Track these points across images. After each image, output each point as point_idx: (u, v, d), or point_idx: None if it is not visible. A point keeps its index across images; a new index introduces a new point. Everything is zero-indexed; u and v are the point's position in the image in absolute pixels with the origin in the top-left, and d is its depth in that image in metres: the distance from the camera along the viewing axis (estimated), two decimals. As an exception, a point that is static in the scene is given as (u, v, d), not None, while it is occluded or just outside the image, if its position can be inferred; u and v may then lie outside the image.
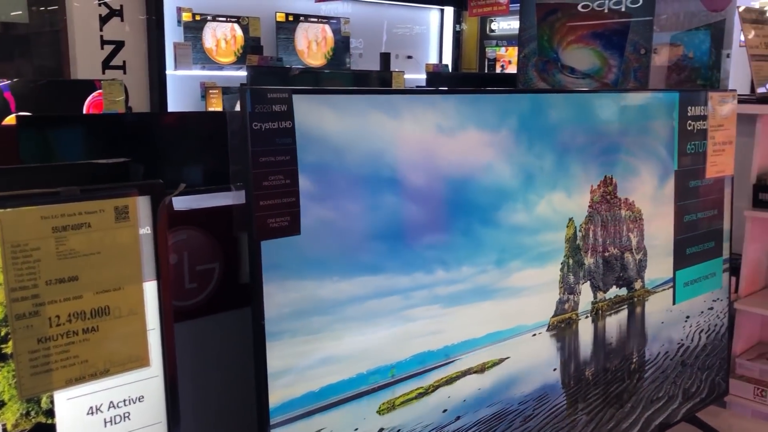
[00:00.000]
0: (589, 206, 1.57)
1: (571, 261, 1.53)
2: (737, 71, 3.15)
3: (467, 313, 1.32)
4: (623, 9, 2.75)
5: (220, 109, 5.95)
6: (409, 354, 1.24)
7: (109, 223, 0.90)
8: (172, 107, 5.95)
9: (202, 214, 1.19)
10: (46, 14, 6.12)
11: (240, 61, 6.27)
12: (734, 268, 2.19)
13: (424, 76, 6.07)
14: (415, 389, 1.25)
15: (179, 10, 6.02)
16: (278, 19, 6.57)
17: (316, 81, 4.75)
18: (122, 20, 5.86)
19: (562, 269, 1.52)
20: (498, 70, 8.10)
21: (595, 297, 1.61)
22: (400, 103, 1.22)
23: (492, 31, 8.27)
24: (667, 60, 2.77)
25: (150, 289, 0.95)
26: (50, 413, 0.88)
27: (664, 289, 1.80)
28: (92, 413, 0.91)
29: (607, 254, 1.63)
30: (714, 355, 1.98)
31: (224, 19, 6.22)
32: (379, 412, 1.20)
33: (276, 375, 1.07)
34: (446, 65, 7.61)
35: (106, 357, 0.91)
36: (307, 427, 1.11)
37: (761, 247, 2.64)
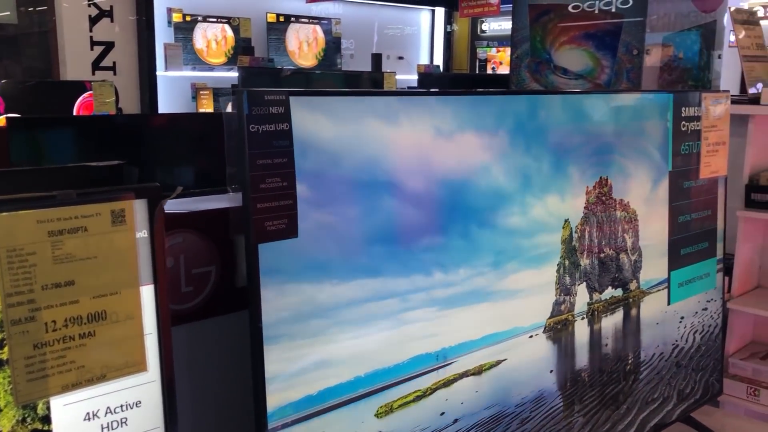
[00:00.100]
0: (584, 207, 1.57)
1: (567, 262, 1.53)
2: (727, 71, 3.16)
3: (464, 315, 1.32)
4: (614, 10, 2.75)
5: (211, 110, 5.93)
6: (406, 357, 1.24)
7: (106, 226, 0.89)
8: (162, 108, 5.92)
9: (198, 217, 1.18)
10: (34, 15, 6.08)
11: (231, 62, 6.25)
12: (727, 268, 2.19)
13: (415, 77, 6.06)
14: (413, 392, 1.25)
15: (169, 10, 5.99)
16: (269, 20, 6.55)
17: (307, 82, 4.74)
18: (112, 21, 5.83)
19: (558, 270, 1.51)
20: (489, 71, 8.11)
21: (591, 298, 1.61)
22: (398, 105, 1.21)
23: (483, 31, 8.28)
24: (658, 61, 2.78)
25: (147, 293, 0.94)
26: (47, 419, 0.87)
27: (659, 290, 1.80)
28: (89, 419, 0.90)
29: (602, 255, 1.63)
30: (708, 355, 1.99)
31: (215, 19, 6.20)
32: (377, 415, 1.19)
33: (274, 379, 1.06)
34: (437, 66, 7.61)
35: (102, 362, 0.90)
36: (305, 431, 1.10)
37: (753, 247, 2.65)
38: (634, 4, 2.69)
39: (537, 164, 1.45)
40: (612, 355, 1.67)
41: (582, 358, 1.59)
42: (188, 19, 6.06)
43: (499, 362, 1.39)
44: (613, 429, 1.67)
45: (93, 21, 5.78)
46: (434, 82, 5.46)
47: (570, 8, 2.82)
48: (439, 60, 8.05)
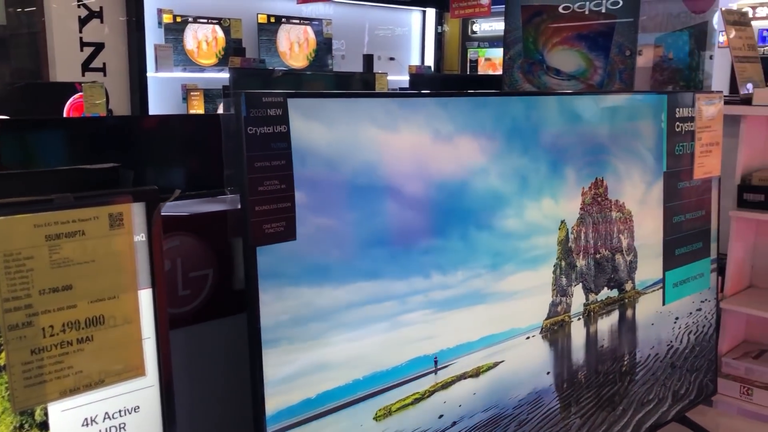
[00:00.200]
0: (580, 208, 1.57)
1: (563, 263, 1.53)
2: (716, 72, 3.18)
3: (462, 317, 1.32)
4: (604, 10, 2.76)
5: (201, 111, 5.90)
6: (404, 359, 1.23)
7: (104, 230, 0.88)
8: (153, 110, 5.89)
9: (195, 220, 1.17)
10: (23, 16, 6.03)
11: (222, 62, 6.22)
12: (720, 268, 2.20)
13: (407, 78, 6.06)
14: (411, 395, 1.24)
15: (160, 11, 5.96)
16: (260, 21, 6.52)
17: (299, 83, 4.72)
18: (102, 22, 5.79)
19: (554, 272, 1.51)
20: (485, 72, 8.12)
21: (587, 299, 1.61)
22: (396, 106, 1.21)
23: (474, 32, 8.29)
24: (650, 61, 2.79)
25: (145, 297, 0.93)
26: (44, 425, 0.86)
27: (654, 290, 1.81)
28: (87, 425, 0.90)
29: (598, 256, 1.63)
30: (702, 356, 1.99)
31: (205, 20, 6.17)
32: (376, 418, 1.19)
33: (272, 382, 1.06)
34: (429, 67, 7.60)
35: (100, 367, 0.90)
36: (304, 434, 1.10)
37: (746, 247, 2.67)
38: (624, 5, 2.70)
39: (533, 166, 1.45)
40: (608, 356, 1.67)
41: (578, 359, 1.59)
42: (179, 20, 6.03)
43: (496, 364, 1.39)
44: (610, 430, 1.67)
45: (83, 22, 5.75)
46: (426, 83, 5.46)
47: (561, 9, 2.82)
48: (430, 61, 8.05)
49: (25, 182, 1.16)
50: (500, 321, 1.40)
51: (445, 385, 1.30)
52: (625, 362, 1.72)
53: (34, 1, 5.72)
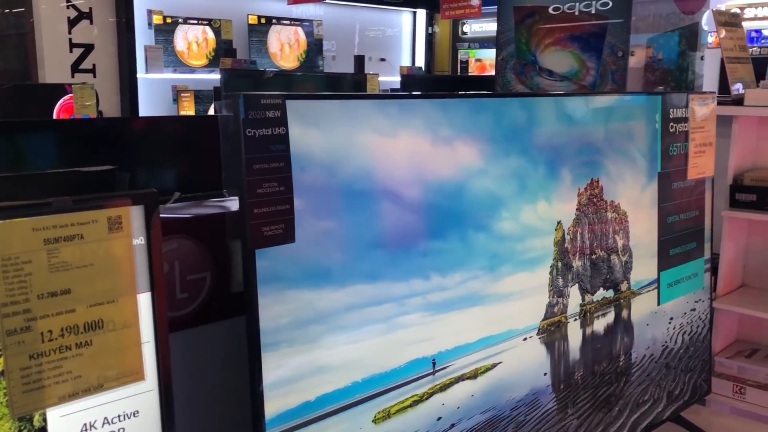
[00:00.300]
0: (576, 209, 1.57)
1: (559, 264, 1.53)
2: (705, 72, 3.19)
3: (460, 318, 1.31)
4: (593, 11, 2.77)
5: (192, 112, 5.88)
6: (403, 361, 1.23)
7: (102, 233, 0.88)
8: (143, 111, 5.86)
9: (193, 223, 1.17)
10: (11, 16, 5.99)
11: (212, 64, 6.20)
12: (713, 268, 2.21)
13: (398, 79, 6.06)
14: (410, 397, 1.24)
15: (150, 12, 5.93)
16: (250, 22, 6.51)
17: (290, 84, 4.71)
18: (91, 23, 5.76)
19: (551, 272, 1.52)
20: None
21: (583, 299, 1.61)
22: (394, 108, 1.21)
23: (464, 33, 8.30)
24: (642, 62, 2.80)
25: (144, 301, 0.92)
26: (43, 431, 0.85)
27: (649, 290, 1.81)
28: (86, 430, 0.89)
29: (594, 257, 1.63)
30: (696, 356, 2.00)
31: (195, 21, 6.15)
32: (375, 421, 1.18)
33: (271, 385, 1.05)
34: (420, 68, 7.61)
35: (99, 372, 0.89)
36: (304, 438, 1.09)
37: (738, 247, 2.68)
38: (615, 6, 2.71)
39: (530, 167, 1.45)
40: (604, 357, 1.67)
41: (575, 360, 1.59)
42: (169, 21, 6.01)
43: (494, 365, 1.39)
44: (606, 431, 1.67)
45: (72, 23, 5.71)
46: (417, 84, 5.46)
47: (551, 10, 2.83)
48: (420, 62, 8.05)
49: (20, 185, 1.15)
50: (498, 322, 1.40)
51: (444, 387, 1.29)
52: (621, 363, 1.73)
53: (23, 1, 5.67)
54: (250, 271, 1.02)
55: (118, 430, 0.91)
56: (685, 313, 1.95)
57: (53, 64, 5.63)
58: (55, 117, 4.21)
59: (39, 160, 2.16)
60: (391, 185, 1.19)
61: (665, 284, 1.86)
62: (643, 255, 1.78)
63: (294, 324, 1.07)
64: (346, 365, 1.15)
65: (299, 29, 6.86)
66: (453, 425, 1.31)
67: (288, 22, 6.78)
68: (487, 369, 1.38)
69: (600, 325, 1.66)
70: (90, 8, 5.74)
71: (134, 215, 0.90)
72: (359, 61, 5.64)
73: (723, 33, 2.61)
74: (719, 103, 2.28)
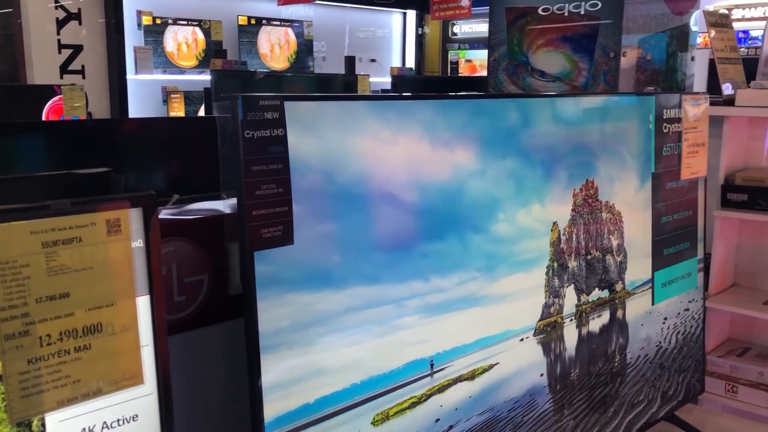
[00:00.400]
0: (572, 210, 1.58)
1: (555, 265, 1.54)
2: (694, 72, 3.21)
3: (457, 319, 1.31)
4: (582, 12, 2.78)
5: (182, 114, 5.86)
6: (401, 362, 1.23)
7: (101, 236, 0.87)
8: (133, 112, 5.84)
9: (190, 225, 1.16)
10: (-1, 17, 5.95)
11: (202, 64, 6.18)
12: (705, 267, 2.22)
13: (388, 80, 6.06)
14: (408, 398, 1.24)
15: (139, 13, 5.91)
16: (240, 23, 6.50)
17: (281, 85, 4.70)
18: (80, 24, 5.73)
19: (547, 273, 1.52)
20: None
21: (578, 300, 1.61)
22: (392, 108, 1.21)
23: (454, 34, 8.31)
24: (634, 63, 2.81)
25: (143, 304, 0.91)
26: (42, 436, 0.84)
27: (643, 290, 1.82)
28: (85, 435, 0.88)
29: (589, 257, 1.64)
30: (690, 356, 2.01)
31: (185, 22, 6.13)
32: (374, 423, 1.18)
33: (270, 388, 1.05)
34: (411, 68, 7.62)
35: (98, 376, 0.88)
36: (303, 441, 1.09)
37: (729, 246, 2.70)
38: (605, 7, 2.72)
39: (526, 168, 1.45)
40: (600, 357, 1.68)
41: (571, 361, 1.59)
42: (158, 21, 5.99)
43: (491, 366, 1.39)
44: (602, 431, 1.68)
45: (60, 24, 5.68)
46: (408, 85, 5.46)
47: (540, 11, 2.84)
48: (410, 62, 8.06)
49: (14, 188, 1.14)
50: (495, 323, 1.40)
51: (442, 389, 1.29)
52: (617, 363, 1.73)
53: (10, 2, 5.64)
54: (249, 274, 1.01)
55: (117, 434, 0.90)
56: (679, 313, 1.96)
57: (42, 65, 5.59)
58: (44, 118, 4.19)
59: (28, 162, 2.15)
60: (389, 187, 1.19)
61: (659, 284, 1.87)
62: (637, 255, 1.79)
63: (293, 326, 1.06)
64: (344, 367, 1.14)
65: (289, 30, 6.86)
66: (451, 427, 1.31)
67: (278, 22, 6.77)
68: (485, 370, 1.38)
69: (595, 325, 1.66)
70: (78, 9, 5.71)
71: (133, 218, 0.90)
72: (350, 61, 5.64)
73: (713, 33, 2.63)
74: (710, 104, 2.29)
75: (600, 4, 2.72)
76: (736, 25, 6.61)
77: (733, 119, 2.52)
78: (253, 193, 1.01)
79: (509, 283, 1.42)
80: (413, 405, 1.24)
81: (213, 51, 6.18)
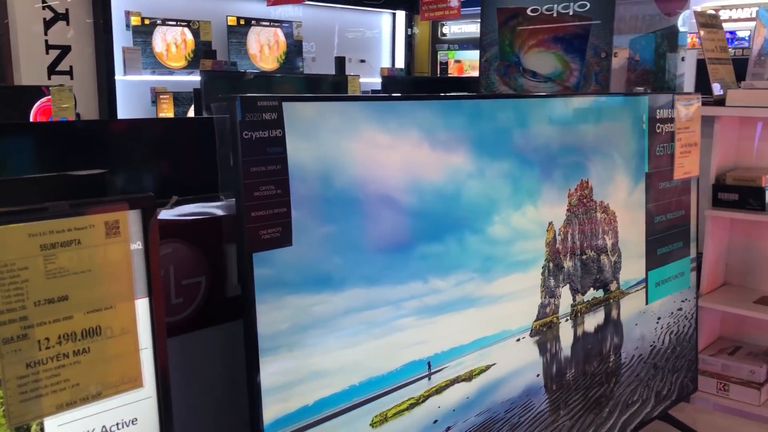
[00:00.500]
0: (567, 210, 1.58)
1: (551, 265, 1.54)
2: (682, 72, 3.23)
3: (454, 320, 1.31)
4: (571, 13, 2.79)
5: (171, 115, 5.83)
6: (399, 364, 1.22)
7: (100, 239, 0.86)
8: (121, 113, 5.81)
9: (187, 226, 1.15)
10: (-15, 18, 5.90)
11: (191, 65, 6.16)
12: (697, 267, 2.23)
13: (378, 80, 6.06)
14: (407, 400, 1.23)
15: (128, 13, 5.88)
16: (229, 23, 6.48)
17: (271, 85, 4.69)
18: (68, 24, 5.70)
19: (543, 273, 1.52)
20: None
21: (574, 299, 1.61)
22: (390, 109, 1.20)
23: (443, 35, 8.32)
24: (625, 63, 2.82)
25: (142, 307, 0.91)
26: (41, 441, 0.83)
27: (637, 290, 1.82)
28: (84, 439, 0.87)
29: (584, 257, 1.64)
30: (683, 356, 2.02)
31: (174, 23, 6.10)
32: (372, 424, 1.18)
33: (269, 390, 1.04)
34: (401, 69, 7.62)
35: (98, 379, 0.87)
36: (303, 443, 1.08)
37: (720, 245, 2.71)
38: (592, 7, 2.73)
39: (522, 169, 1.45)
40: (595, 357, 1.68)
41: (567, 361, 1.60)
42: (147, 22, 5.96)
43: (488, 367, 1.39)
44: None
45: (48, 24, 5.64)
46: (398, 86, 5.46)
47: (529, 11, 2.85)
48: (400, 63, 8.07)
49: (8, 189, 1.12)
50: (491, 323, 1.40)
51: (439, 390, 1.29)
52: (611, 363, 1.74)
53: (-3, 3, 5.59)
54: (248, 275, 1.01)
55: (117, 438, 0.90)
56: (672, 313, 1.97)
57: (29, 66, 5.55)
58: (32, 120, 4.16)
59: (16, 163, 2.13)
60: (387, 188, 1.19)
61: (653, 283, 1.87)
62: (631, 255, 1.79)
63: (292, 328, 1.06)
64: (343, 368, 1.14)
65: (279, 30, 6.84)
66: (449, 428, 1.31)
67: (267, 23, 6.76)
68: (482, 371, 1.38)
69: (590, 325, 1.67)
70: (66, 9, 5.68)
71: (132, 220, 0.89)
72: (340, 62, 5.64)
73: (704, 34, 2.65)
74: (701, 104, 2.31)
75: (589, 5, 2.73)
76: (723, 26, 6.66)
77: (723, 119, 2.53)
78: (251, 194, 1.01)
79: (506, 284, 1.42)
80: (411, 406, 1.24)
81: (202, 51, 6.16)
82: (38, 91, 4.26)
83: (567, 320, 1.59)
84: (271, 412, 1.04)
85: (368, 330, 1.17)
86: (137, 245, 0.90)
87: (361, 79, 4.96)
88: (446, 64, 8.14)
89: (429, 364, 1.28)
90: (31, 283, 0.81)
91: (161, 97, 5.78)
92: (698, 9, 3.23)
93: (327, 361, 1.11)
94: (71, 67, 5.66)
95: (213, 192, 1.26)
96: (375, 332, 1.18)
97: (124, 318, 0.89)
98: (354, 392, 1.15)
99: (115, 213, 0.87)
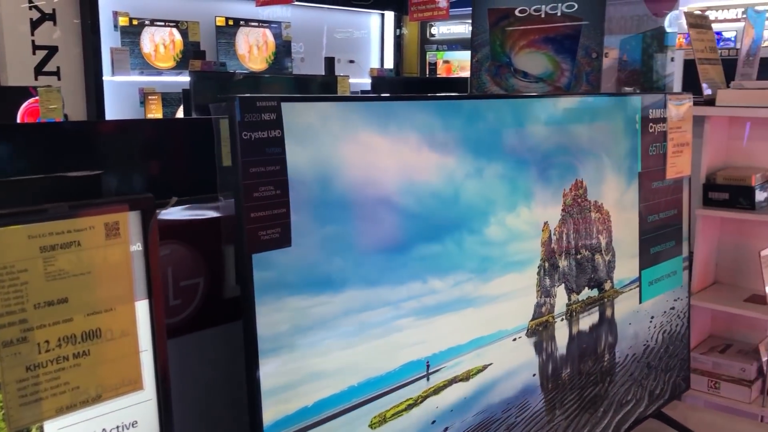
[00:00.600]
0: (562, 210, 1.58)
1: (546, 264, 1.54)
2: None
3: (452, 320, 1.31)
4: (559, 14, 2.80)
5: (160, 115, 5.79)
6: (398, 364, 1.22)
7: (99, 240, 0.85)
8: (110, 114, 5.76)
9: (185, 228, 1.14)
10: (-30, 18, 5.85)
11: (180, 66, 6.13)
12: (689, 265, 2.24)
13: (367, 81, 6.06)
14: (405, 400, 1.23)
15: (115, 14, 5.84)
16: (218, 24, 6.45)
17: (260, 86, 4.66)
18: (55, 24, 5.64)
19: (539, 273, 1.52)
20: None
21: (569, 299, 1.62)
22: (387, 110, 1.20)
23: (432, 35, 8.33)
24: (615, 64, 2.84)
25: (141, 309, 0.90)
26: (41, 445, 0.83)
27: (631, 289, 1.83)
28: (84, 442, 0.86)
29: (579, 256, 1.64)
30: (676, 355, 2.03)
31: (163, 23, 6.07)
32: (371, 425, 1.18)
33: (269, 392, 1.04)
34: (390, 69, 7.61)
35: (97, 382, 0.86)
36: (302, 444, 1.08)
37: (710, 244, 2.73)
38: (580, 8, 2.74)
39: (517, 169, 1.45)
40: (589, 356, 1.69)
41: (562, 360, 1.60)
42: (135, 23, 5.92)
43: (485, 366, 1.39)
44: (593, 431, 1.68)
45: (34, 24, 5.59)
46: (388, 86, 5.46)
47: (517, 12, 2.85)
48: (389, 63, 8.06)
49: (1, 192, 1.11)
50: (488, 323, 1.40)
51: (437, 390, 1.29)
52: (606, 362, 1.74)
53: (-17, 3, 5.54)
54: (247, 276, 1.00)
55: (117, 441, 0.89)
56: (665, 312, 1.98)
57: (16, 67, 5.50)
58: (19, 121, 4.12)
59: (4, 165, 2.10)
60: (387, 190, 1.18)
61: (646, 282, 1.88)
62: (625, 254, 1.80)
63: (291, 329, 1.06)
64: (342, 369, 1.13)
65: (267, 31, 6.82)
66: (446, 429, 1.31)
67: (256, 23, 6.73)
68: (479, 371, 1.38)
69: (585, 324, 1.67)
70: (53, 9, 5.63)
71: (131, 221, 0.88)
72: (329, 62, 5.63)
73: (693, 34, 2.66)
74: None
75: (577, 6, 2.74)
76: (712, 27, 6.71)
77: (713, 119, 2.55)
78: (251, 195, 1.00)
79: (502, 284, 1.42)
80: (410, 407, 1.24)
81: (191, 52, 6.13)
82: (25, 92, 4.22)
83: (562, 319, 1.60)
84: (270, 413, 1.04)
85: (367, 331, 1.17)
86: (137, 247, 0.89)
87: (351, 80, 4.95)
88: (435, 64, 8.14)
89: (428, 364, 1.28)
90: (31, 285, 0.80)
91: (150, 97, 5.74)
92: (686, 9, 3.25)
93: (326, 362, 1.11)
94: (58, 67, 5.61)
95: (203, 193, 1.25)
96: (374, 333, 1.18)
97: (124, 320, 0.88)
98: (353, 393, 1.15)
99: (115, 214, 0.86)
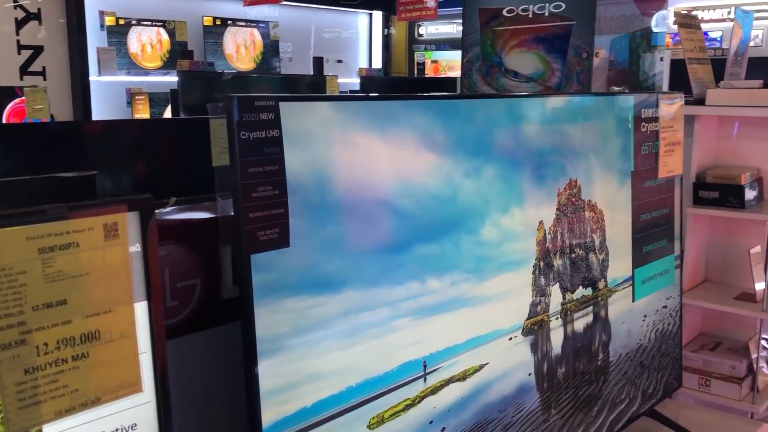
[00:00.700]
0: (556, 209, 1.59)
1: (541, 263, 1.54)
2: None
3: (449, 320, 1.31)
4: (546, 14, 2.81)
5: (147, 116, 5.76)
6: (395, 364, 1.22)
7: (98, 241, 0.84)
8: (96, 114, 5.73)
9: (183, 228, 1.14)
10: (-46, 17, 5.79)
11: (167, 66, 6.10)
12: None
13: (356, 80, 6.05)
14: (402, 401, 1.23)
15: (102, 13, 5.80)
16: (205, 23, 6.42)
17: (248, 86, 4.65)
18: (40, 24, 5.60)
19: (534, 272, 1.52)
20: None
21: (563, 298, 1.62)
22: (385, 109, 1.20)
23: (420, 35, 8.34)
24: (606, 63, 2.85)
25: (140, 310, 0.89)
26: (40, 449, 0.81)
27: (624, 287, 1.84)
28: (83, 446, 0.85)
29: (573, 255, 1.65)
30: (668, 354, 2.04)
31: (149, 23, 6.04)
32: (370, 426, 1.17)
33: (268, 393, 1.03)
34: (379, 69, 7.61)
35: (97, 384, 0.85)
36: (301, 446, 1.07)
37: (701, 243, 2.75)
38: (568, 8, 2.75)
39: (512, 168, 1.45)
40: (584, 355, 1.69)
41: (557, 359, 1.60)
42: (122, 22, 5.88)
43: (482, 366, 1.39)
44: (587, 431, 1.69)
45: (19, 24, 5.55)
46: (377, 86, 5.46)
47: (505, 12, 2.86)
48: (377, 63, 8.06)
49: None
50: (484, 323, 1.40)
51: (434, 390, 1.29)
52: (600, 361, 1.75)
53: (-33, 2, 5.49)
54: (246, 277, 1.00)
55: (116, 444, 0.88)
56: (657, 311, 1.98)
57: (0, 67, 5.45)
58: (4, 121, 4.09)
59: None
60: (384, 190, 1.18)
61: (639, 281, 1.89)
62: (618, 253, 1.81)
63: (290, 330, 1.05)
64: (341, 370, 1.13)
65: (255, 31, 6.80)
66: (444, 429, 1.31)
67: (244, 23, 6.71)
68: (476, 370, 1.38)
69: (580, 323, 1.68)
70: (38, 9, 5.58)
71: (130, 222, 0.87)
72: (318, 62, 5.62)
73: (683, 34, 2.68)
74: (682, 103, 2.33)
75: (564, 5, 2.75)
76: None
77: (703, 118, 2.57)
78: (249, 195, 0.99)
79: (498, 283, 1.42)
80: (407, 407, 1.23)
81: (178, 52, 6.10)
82: (11, 92, 4.19)
83: (557, 318, 1.60)
84: (270, 414, 1.03)
85: (365, 331, 1.16)
86: (136, 248, 0.88)
87: (339, 80, 4.95)
88: (423, 64, 8.15)
89: (425, 364, 1.27)
90: (29, 287, 0.79)
91: (137, 97, 5.71)
92: (674, 9, 3.27)
93: (325, 363, 1.10)
94: (44, 67, 5.57)
95: (194, 193, 1.24)
96: (372, 333, 1.17)
97: (123, 322, 0.87)
98: (352, 393, 1.14)
99: (114, 215, 0.86)
